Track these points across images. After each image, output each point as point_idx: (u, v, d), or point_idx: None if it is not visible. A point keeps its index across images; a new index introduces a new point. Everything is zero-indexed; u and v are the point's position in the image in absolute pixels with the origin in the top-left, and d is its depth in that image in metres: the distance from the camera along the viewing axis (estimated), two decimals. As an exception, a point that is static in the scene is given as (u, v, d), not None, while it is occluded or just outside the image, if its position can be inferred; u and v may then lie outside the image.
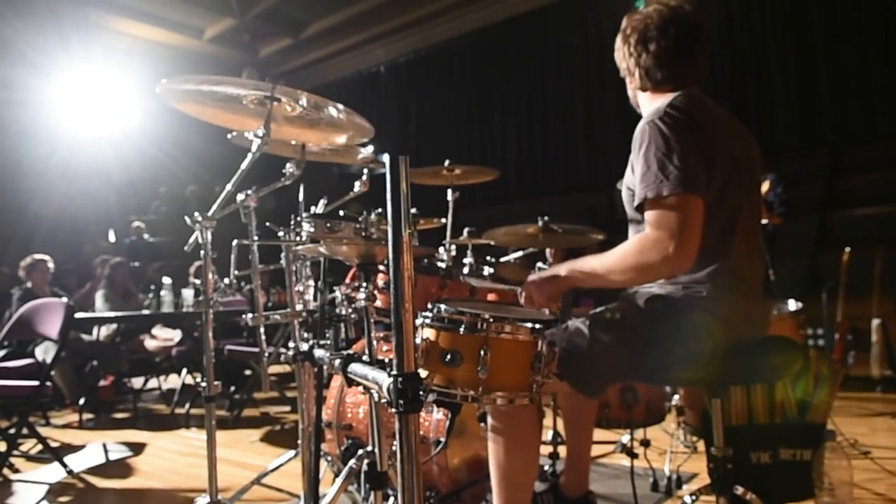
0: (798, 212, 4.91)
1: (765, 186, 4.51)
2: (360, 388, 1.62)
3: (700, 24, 1.88)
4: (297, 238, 2.12)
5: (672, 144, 1.68)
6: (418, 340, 1.58)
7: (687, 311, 1.79)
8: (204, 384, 2.05)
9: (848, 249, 4.37)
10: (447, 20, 10.11)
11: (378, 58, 11.21)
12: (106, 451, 4.04)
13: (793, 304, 3.04)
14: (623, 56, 1.93)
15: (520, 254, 3.16)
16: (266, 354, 2.34)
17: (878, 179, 6.66)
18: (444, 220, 2.93)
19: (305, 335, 2.33)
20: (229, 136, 2.26)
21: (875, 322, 4.78)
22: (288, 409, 5.18)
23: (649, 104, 1.91)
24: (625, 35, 1.91)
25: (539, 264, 2.87)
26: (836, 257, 4.52)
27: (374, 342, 1.81)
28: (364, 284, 1.83)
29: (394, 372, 1.04)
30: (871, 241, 5.17)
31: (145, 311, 5.50)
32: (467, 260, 2.74)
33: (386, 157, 1.03)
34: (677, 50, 1.84)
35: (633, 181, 1.81)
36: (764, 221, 4.57)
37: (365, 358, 1.63)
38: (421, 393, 1.04)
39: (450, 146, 9.99)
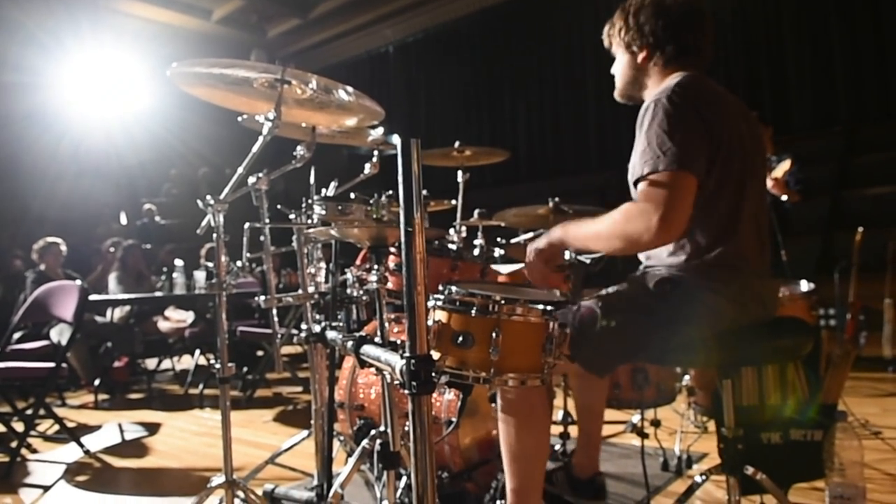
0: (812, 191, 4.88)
1: (786, 165, 4.47)
2: (373, 370, 1.64)
3: (703, 7, 1.91)
4: (309, 221, 2.12)
5: (675, 122, 1.67)
6: (430, 322, 1.58)
7: (696, 293, 1.78)
8: (218, 365, 2.07)
9: (861, 229, 4.33)
10: (456, -1, 10.03)
11: (386, 38, 11.15)
12: (121, 431, 4.10)
13: (805, 285, 3.02)
14: (651, 30, 1.87)
15: (530, 235, 3.15)
16: (279, 336, 2.35)
17: (892, 159, 6.59)
18: (454, 202, 2.93)
19: (317, 317, 2.34)
20: (240, 118, 2.26)
21: (887, 302, 4.75)
22: (300, 389, 5.23)
23: (659, 83, 1.89)
24: (662, 7, 1.87)
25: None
26: (848, 237, 4.48)
27: (386, 324, 1.82)
28: (375, 267, 1.84)
29: (406, 354, 1.05)
30: (884, 221, 5.13)
31: (158, 293, 5.55)
32: (478, 241, 2.74)
33: (397, 140, 1.02)
34: (690, 24, 1.88)
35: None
36: (784, 198, 4.58)
37: (377, 339, 1.64)
38: (433, 375, 1.05)
39: (459, 126, 9.96)
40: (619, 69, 1.99)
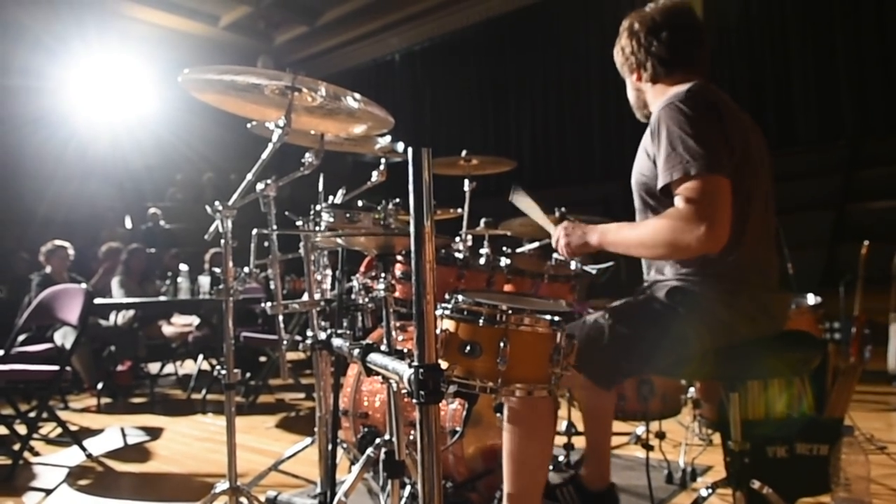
0: (817, 205, 4.85)
1: None
2: (378, 378, 1.63)
3: (697, 18, 1.98)
4: (317, 228, 2.12)
5: (694, 125, 1.68)
6: (438, 331, 1.58)
7: (705, 304, 1.78)
8: (223, 371, 2.06)
9: (867, 243, 4.33)
10: (462, 8, 10.05)
11: (393, 46, 11.18)
12: (124, 436, 4.09)
13: (812, 299, 3.02)
14: (631, 51, 1.97)
15: (536, 245, 3.15)
16: (284, 342, 2.35)
17: (898, 173, 6.58)
18: (460, 211, 2.93)
19: (323, 324, 2.34)
20: (249, 125, 2.26)
21: (893, 316, 4.73)
22: (302, 395, 5.22)
23: (661, 95, 1.91)
24: (632, 30, 1.96)
25: (555, 255, 2.86)
26: (854, 251, 4.48)
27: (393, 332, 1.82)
28: (383, 275, 1.84)
29: (415, 363, 1.04)
30: (890, 235, 5.12)
31: (162, 298, 5.55)
32: (483, 250, 2.74)
33: (408, 149, 1.03)
34: (686, 38, 1.92)
35: (645, 166, 1.83)
36: None
37: (383, 348, 1.63)
38: (441, 384, 1.04)
39: (464, 135, 9.96)
40: (628, 91, 2.09)
